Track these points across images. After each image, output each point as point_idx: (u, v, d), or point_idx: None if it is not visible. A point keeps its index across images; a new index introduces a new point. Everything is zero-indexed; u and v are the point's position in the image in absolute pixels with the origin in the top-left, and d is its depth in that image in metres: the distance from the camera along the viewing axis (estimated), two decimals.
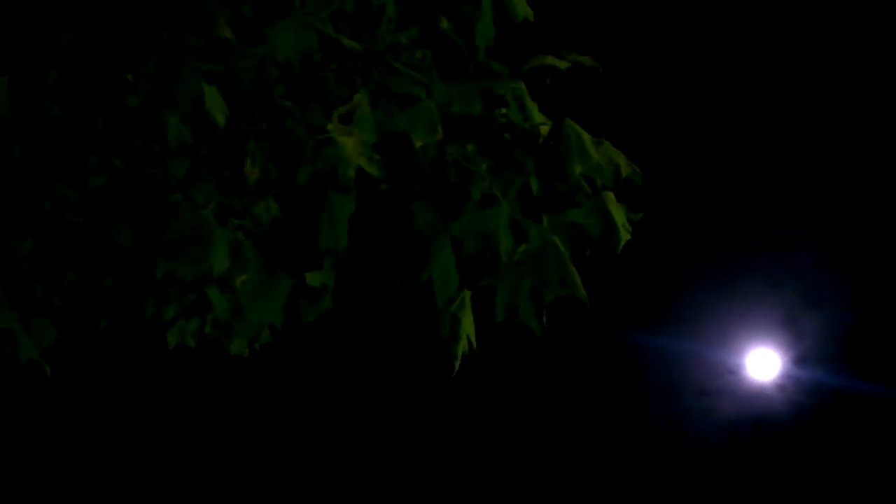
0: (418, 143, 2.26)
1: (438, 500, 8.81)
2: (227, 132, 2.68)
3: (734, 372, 9.25)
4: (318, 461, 8.65)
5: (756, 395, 9.29)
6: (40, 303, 3.24)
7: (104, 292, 3.29)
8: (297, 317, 3.08)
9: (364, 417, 8.71)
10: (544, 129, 2.20)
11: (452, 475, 8.90)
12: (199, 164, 2.97)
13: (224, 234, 2.40)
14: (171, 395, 7.99)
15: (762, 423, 9.32)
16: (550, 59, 2.20)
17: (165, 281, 3.23)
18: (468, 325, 2.18)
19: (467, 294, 2.21)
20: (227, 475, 8.42)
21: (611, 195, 2.18)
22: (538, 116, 2.22)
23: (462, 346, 2.16)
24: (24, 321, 3.19)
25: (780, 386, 9.24)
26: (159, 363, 7.24)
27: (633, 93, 8.26)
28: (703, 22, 8.56)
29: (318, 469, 8.66)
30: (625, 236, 2.16)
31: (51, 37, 2.50)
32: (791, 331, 9.22)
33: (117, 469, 8.07)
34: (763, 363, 9.22)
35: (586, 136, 2.13)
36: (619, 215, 2.15)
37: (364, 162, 2.26)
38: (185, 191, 3.01)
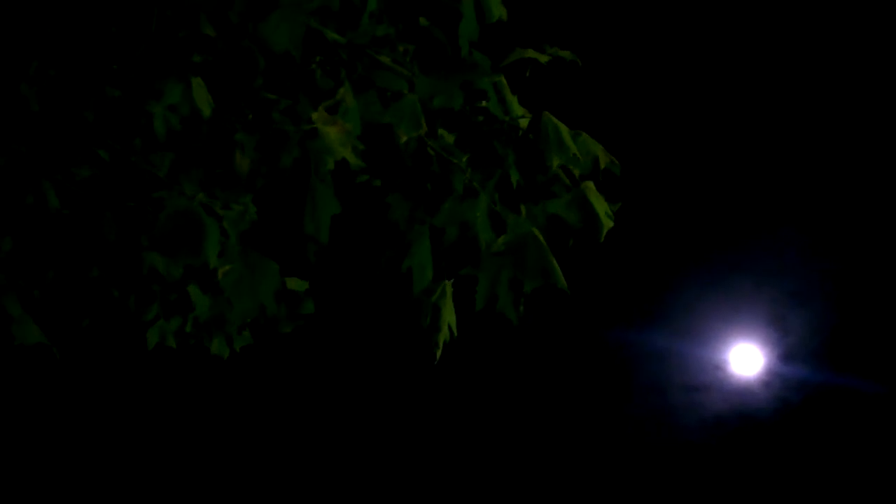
0: (403, 138, 2.29)
1: (430, 496, 8.83)
2: (213, 123, 2.69)
3: (720, 368, 9.31)
4: (299, 459, 8.65)
5: (742, 391, 9.35)
6: (23, 297, 3.23)
7: (86, 289, 3.29)
8: (276, 317, 3.09)
9: (349, 414, 8.71)
10: (524, 122, 2.23)
11: (443, 472, 8.92)
12: (186, 155, 2.98)
13: (213, 225, 2.41)
14: (151, 395, 7.98)
15: (748, 417, 9.37)
16: (531, 53, 2.23)
17: (148, 278, 3.24)
18: (449, 315, 2.20)
19: (448, 284, 2.24)
20: (206, 474, 8.41)
21: (591, 185, 2.20)
22: (518, 109, 2.25)
23: (443, 336, 2.19)
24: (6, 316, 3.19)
25: (766, 382, 9.29)
26: (140, 363, 7.23)
27: (622, 93, 8.29)
28: (697, 21, 8.59)
29: (299, 465, 8.65)
30: (607, 224, 2.19)
31: (36, 27, 2.51)
32: (776, 328, 9.28)
33: (95, 466, 8.06)
34: (749, 360, 9.27)
35: (564, 129, 2.16)
36: (599, 205, 2.17)
37: (348, 153, 2.28)
38: (171, 183, 3.02)
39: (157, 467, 8.23)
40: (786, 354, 9.26)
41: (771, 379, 9.25)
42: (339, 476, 8.67)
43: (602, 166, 2.20)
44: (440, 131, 2.29)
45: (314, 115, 2.37)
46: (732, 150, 9.12)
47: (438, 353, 2.17)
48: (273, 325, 3.19)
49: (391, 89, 2.34)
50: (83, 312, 3.34)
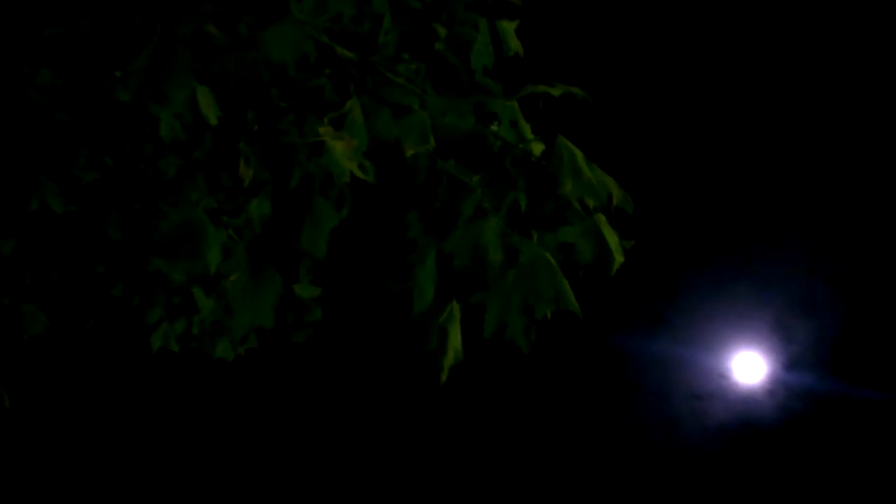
0: (409, 152, 2.26)
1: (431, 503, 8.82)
2: (219, 132, 2.67)
3: (724, 376, 9.28)
4: (302, 467, 8.63)
5: (746, 400, 9.32)
6: (29, 290, 3.22)
7: (90, 291, 3.28)
8: (283, 322, 3.07)
9: (352, 422, 8.69)
10: (536, 148, 2.20)
11: (445, 477, 8.90)
12: (192, 163, 2.96)
13: (217, 232, 2.39)
14: (153, 399, 7.97)
15: (752, 426, 9.35)
16: (543, 88, 2.20)
17: (152, 282, 3.22)
18: (455, 337, 2.17)
19: (456, 306, 2.20)
20: (207, 478, 8.40)
21: (603, 218, 2.18)
22: (530, 135, 2.22)
23: (450, 359, 2.15)
24: (14, 308, 3.17)
25: (770, 390, 9.26)
26: (143, 366, 7.21)
27: (621, 105, 8.26)
28: (694, 28, 8.57)
29: (301, 475, 8.64)
30: (618, 259, 2.16)
31: (40, 30, 2.49)
32: (781, 336, 9.25)
33: (97, 469, 8.05)
34: (753, 368, 9.25)
35: (579, 154, 2.13)
36: (612, 238, 2.14)
37: (354, 167, 2.26)
38: (176, 189, 3.00)
39: (159, 470, 8.22)
40: (790, 362, 9.23)
41: (775, 387, 9.23)
42: (341, 481, 8.66)
43: (615, 202, 2.18)
44: (451, 153, 2.26)
45: (321, 130, 2.34)
46: (736, 155, 9.10)
47: (444, 377, 2.14)
48: (283, 333, 3.17)
49: (401, 104, 2.31)
50: (87, 314, 3.33)
